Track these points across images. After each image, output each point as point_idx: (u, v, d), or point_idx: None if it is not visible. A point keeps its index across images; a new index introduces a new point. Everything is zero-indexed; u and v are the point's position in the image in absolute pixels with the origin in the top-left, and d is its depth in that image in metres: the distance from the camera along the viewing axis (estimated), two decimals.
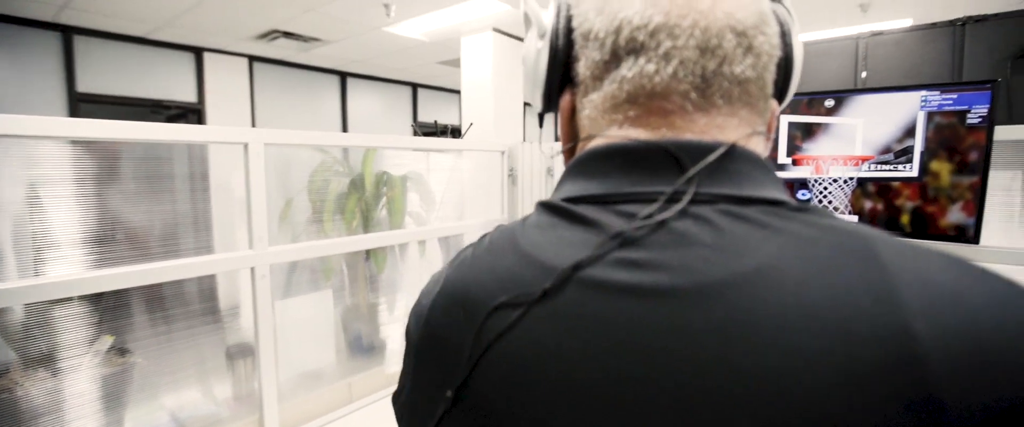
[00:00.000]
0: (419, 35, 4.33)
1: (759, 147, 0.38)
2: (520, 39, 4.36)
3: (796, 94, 1.63)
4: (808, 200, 1.59)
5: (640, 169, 0.36)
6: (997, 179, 1.41)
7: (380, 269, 1.80)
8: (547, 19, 0.42)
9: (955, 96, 1.34)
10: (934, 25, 1.79)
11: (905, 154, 1.41)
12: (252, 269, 1.33)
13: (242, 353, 1.46)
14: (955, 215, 1.36)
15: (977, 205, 1.33)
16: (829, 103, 1.51)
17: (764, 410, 0.27)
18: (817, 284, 0.28)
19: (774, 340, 0.27)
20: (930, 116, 1.37)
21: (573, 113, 0.42)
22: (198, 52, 4.50)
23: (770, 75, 0.38)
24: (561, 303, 0.33)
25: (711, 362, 0.28)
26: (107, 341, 1.28)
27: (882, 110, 1.43)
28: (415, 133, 1.95)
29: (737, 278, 0.29)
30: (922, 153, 1.39)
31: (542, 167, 2.23)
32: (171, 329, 1.36)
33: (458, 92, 7.15)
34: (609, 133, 0.38)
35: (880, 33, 1.90)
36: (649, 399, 0.29)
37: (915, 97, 1.38)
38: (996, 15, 1.66)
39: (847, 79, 1.96)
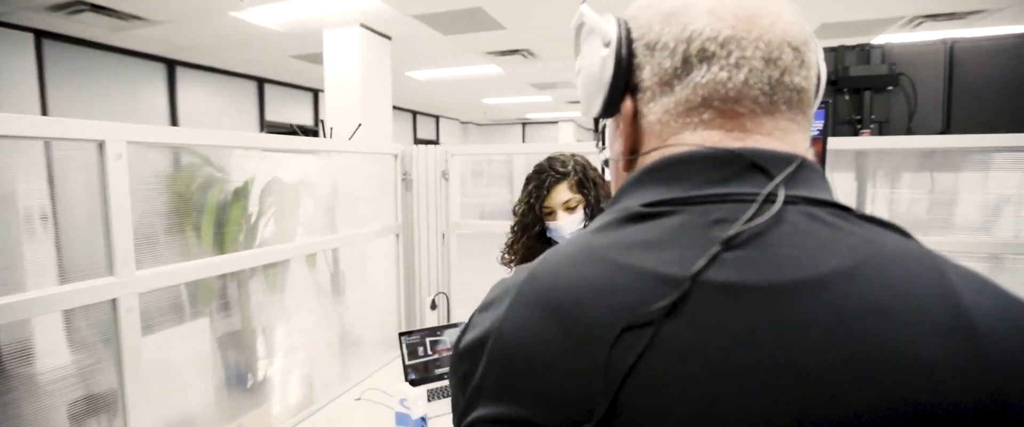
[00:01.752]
0: (273, 24, 3.90)
1: (811, 154, 0.42)
2: (389, 37, 4.19)
3: None
4: None
5: (725, 174, 0.38)
6: (837, 180, 1.75)
7: (274, 286, 1.57)
8: (608, 30, 0.43)
9: None
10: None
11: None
12: (115, 300, 1.06)
13: (93, 409, 1.14)
14: None
15: None
16: None
17: (887, 395, 0.29)
18: (897, 281, 0.32)
19: (884, 329, 0.30)
20: None
21: (635, 117, 0.43)
22: None
23: (813, 87, 0.43)
24: (693, 314, 0.32)
25: (833, 348, 0.30)
26: None
27: None
28: (294, 133, 1.74)
29: (835, 274, 0.32)
30: None
31: (437, 171, 2.16)
32: None
33: (314, 90, 6.60)
34: (685, 137, 0.40)
35: None
36: (796, 388, 0.30)
37: None
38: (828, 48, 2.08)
39: None
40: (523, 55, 5.03)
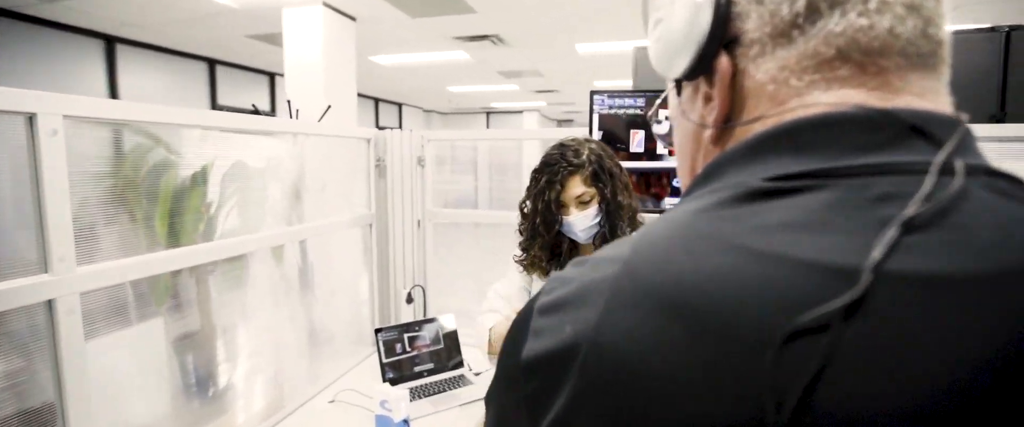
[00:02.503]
0: (227, 0, 3.63)
1: None
2: (354, 18, 3.98)
3: None
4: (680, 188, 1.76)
5: (877, 139, 0.31)
6: None
7: (237, 282, 1.42)
8: None
9: None
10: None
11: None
12: (51, 302, 0.91)
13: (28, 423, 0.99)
14: None
15: None
16: None
17: None
18: None
19: None
20: None
21: (734, 76, 0.36)
22: None
23: (948, 43, 0.36)
24: (881, 314, 0.25)
25: None
26: None
27: None
28: (257, 112, 1.58)
29: None
30: None
31: (412, 156, 2.04)
32: None
33: (271, 74, 6.25)
34: (814, 98, 0.33)
35: None
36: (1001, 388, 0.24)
37: None
38: None
39: None
40: (492, 41, 4.91)
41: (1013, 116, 1.99)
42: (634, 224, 1.18)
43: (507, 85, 7.86)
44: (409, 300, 2.08)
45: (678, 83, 0.40)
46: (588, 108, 1.80)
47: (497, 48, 5.20)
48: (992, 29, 2.03)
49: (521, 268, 1.27)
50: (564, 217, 1.15)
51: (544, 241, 1.20)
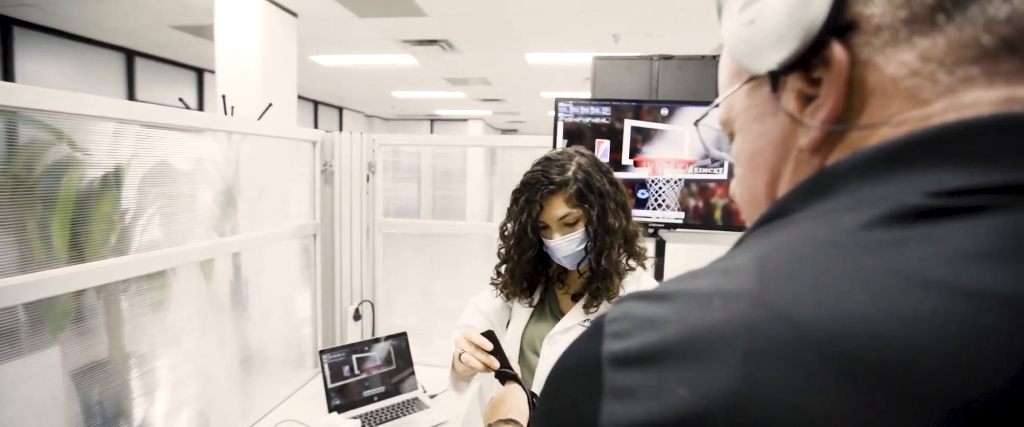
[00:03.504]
0: None
1: None
2: (295, 14, 3.74)
3: (636, 101, 1.76)
4: (646, 199, 1.74)
5: None
6: None
7: (157, 303, 1.21)
8: None
9: None
10: (703, 57, 2.19)
11: (717, 160, 1.65)
12: None
13: None
14: None
15: None
16: (664, 111, 1.66)
17: None
18: None
19: None
20: None
21: (851, 69, 0.30)
22: None
23: None
24: None
25: None
26: None
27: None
28: (185, 107, 1.38)
29: None
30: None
31: (363, 162, 1.89)
32: None
33: (198, 69, 5.78)
34: (973, 97, 0.27)
35: (669, 57, 2.22)
36: None
37: None
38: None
39: (644, 93, 2.23)
40: (442, 46, 4.80)
41: None
42: (631, 248, 1.07)
43: (453, 92, 7.75)
44: (357, 317, 1.92)
45: (775, 77, 0.32)
46: (553, 117, 1.74)
47: (446, 53, 5.09)
48: None
49: (497, 292, 1.14)
50: (546, 239, 1.03)
51: (515, 267, 1.07)
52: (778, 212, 0.31)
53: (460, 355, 0.94)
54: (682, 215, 1.68)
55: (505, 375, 0.91)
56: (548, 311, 1.12)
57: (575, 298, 1.10)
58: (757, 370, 0.21)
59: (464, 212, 2.48)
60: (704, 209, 1.68)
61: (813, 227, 0.27)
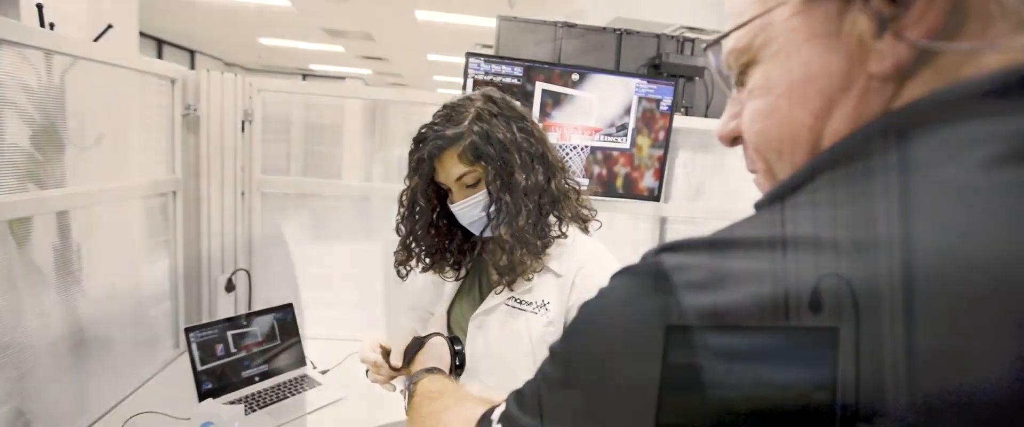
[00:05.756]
0: None
1: None
2: None
3: (549, 64, 1.71)
4: None
5: None
6: (679, 156, 1.86)
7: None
8: None
9: (655, 87, 1.68)
10: (604, 29, 2.24)
11: (623, 129, 1.69)
12: None
13: None
14: (648, 180, 1.73)
15: (661, 172, 1.73)
16: (575, 77, 1.64)
17: None
18: None
19: None
20: (640, 100, 1.68)
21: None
22: None
23: None
24: None
25: None
26: None
27: (612, 90, 1.66)
28: None
29: None
30: (633, 129, 1.69)
31: (237, 109, 1.62)
32: None
33: None
34: None
35: (573, 25, 2.23)
36: None
37: (632, 82, 1.67)
38: (638, 33, 2.24)
39: (548, 56, 2.21)
40: None
41: None
42: (560, 210, 0.90)
43: (332, 45, 7.10)
44: (230, 288, 1.67)
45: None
46: (462, 72, 1.63)
47: (328, 0, 4.60)
48: None
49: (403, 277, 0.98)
50: (450, 203, 0.88)
51: (415, 240, 0.92)
52: (855, 151, 0.28)
53: (367, 371, 0.88)
54: (586, 182, 1.71)
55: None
56: (477, 287, 0.99)
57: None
58: (956, 322, 0.18)
59: (340, 173, 2.24)
60: (607, 177, 1.72)
61: (937, 168, 0.24)
